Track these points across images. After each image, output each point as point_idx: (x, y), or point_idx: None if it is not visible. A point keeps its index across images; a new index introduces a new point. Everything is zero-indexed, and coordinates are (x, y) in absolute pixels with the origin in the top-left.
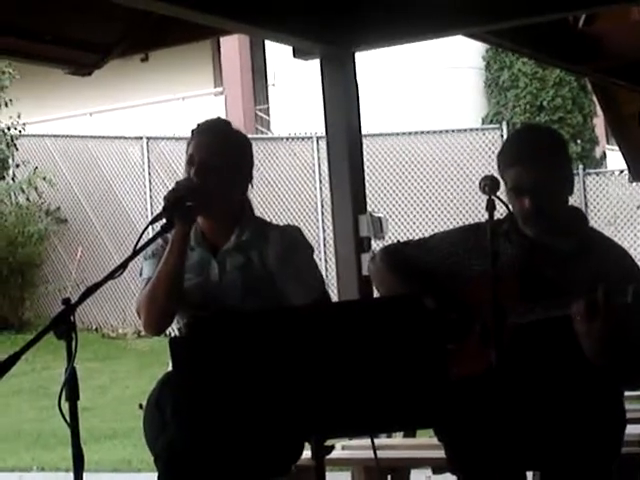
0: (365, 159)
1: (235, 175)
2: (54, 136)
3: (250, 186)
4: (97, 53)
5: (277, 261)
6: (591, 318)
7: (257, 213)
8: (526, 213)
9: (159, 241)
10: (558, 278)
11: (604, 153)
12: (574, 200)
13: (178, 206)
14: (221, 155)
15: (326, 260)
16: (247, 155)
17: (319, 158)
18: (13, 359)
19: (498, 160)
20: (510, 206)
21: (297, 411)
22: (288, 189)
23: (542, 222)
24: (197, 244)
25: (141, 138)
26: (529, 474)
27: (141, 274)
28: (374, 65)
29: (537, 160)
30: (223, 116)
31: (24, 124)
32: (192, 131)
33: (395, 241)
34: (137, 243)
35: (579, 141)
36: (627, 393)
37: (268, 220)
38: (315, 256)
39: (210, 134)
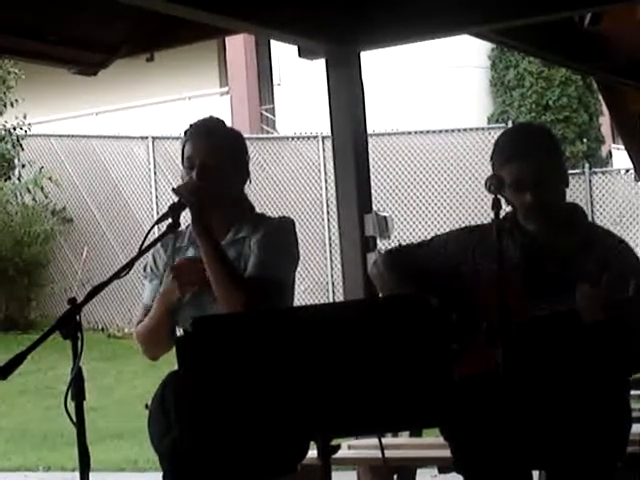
0: (370, 158)
1: (234, 172)
2: (60, 136)
3: (248, 182)
4: (103, 53)
5: (255, 244)
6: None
7: (263, 212)
8: (528, 207)
9: (159, 256)
10: (562, 274)
11: (610, 152)
12: (580, 199)
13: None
14: (220, 155)
15: (331, 259)
16: (243, 152)
17: (324, 157)
18: (19, 359)
19: (492, 159)
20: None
21: (303, 410)
22: (294, 188)
23: (543, 216)
24: (191, 243)
25: (147, 138)
26: (535, 473)
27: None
28: (380, 64)
29: (535, 154)
30: (228, 116)
31: (30, 124)
32: (185, 132)
33: (400, 241)
34: (143, 243)
35: (585, 140)
36: (633, 392)
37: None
38: (320, 255)
39: (207, 135)
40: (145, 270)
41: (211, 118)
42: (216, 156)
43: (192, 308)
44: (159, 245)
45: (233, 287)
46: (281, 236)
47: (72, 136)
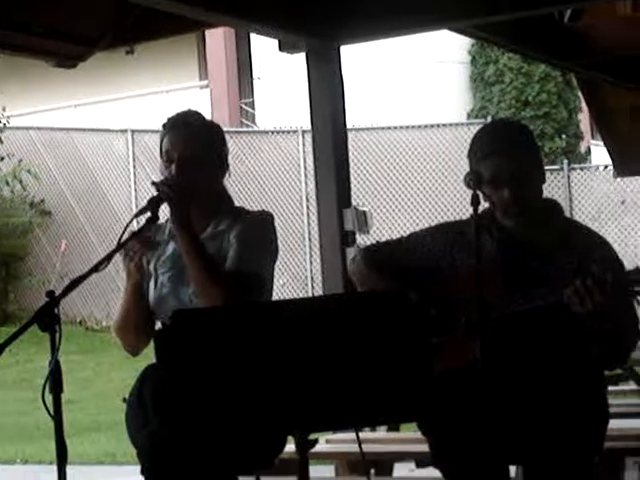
0: (350, 153)
1: (213, 165)
2: (39, 128)
3: (228, 174)
4: (83, 45)
5: (235, 238)
6: (583, 303)
7: (242, 206)
8: (505, 203)
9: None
10: (540, 269)
11: (589, 148)
12: (559, 195)
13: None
14: (198, 147)
15: (310, 254)
16: (222, 144)
17: (304, 152)
18: None
19: (469, 156)
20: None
21: (281, 404)
22: (273, 183)
23: (521, 212)
24: (171, 238)
25: (126, 131)
26: (512, 468)
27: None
28: (360, 59)
29: (512, 150)
30: (208, 109)
31: (9, 117)
32: (163, 125)
33: (379, 235)
34: (121, 236)
35: (564, 136)
36: (610, 388)
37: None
38: (299, 249)
39: (184, 128)
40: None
41: (189, 111)
42: (194, 148)
43: (172, 301)
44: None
45: (212, 282)
46: (260, 230)
47: (51, 129)
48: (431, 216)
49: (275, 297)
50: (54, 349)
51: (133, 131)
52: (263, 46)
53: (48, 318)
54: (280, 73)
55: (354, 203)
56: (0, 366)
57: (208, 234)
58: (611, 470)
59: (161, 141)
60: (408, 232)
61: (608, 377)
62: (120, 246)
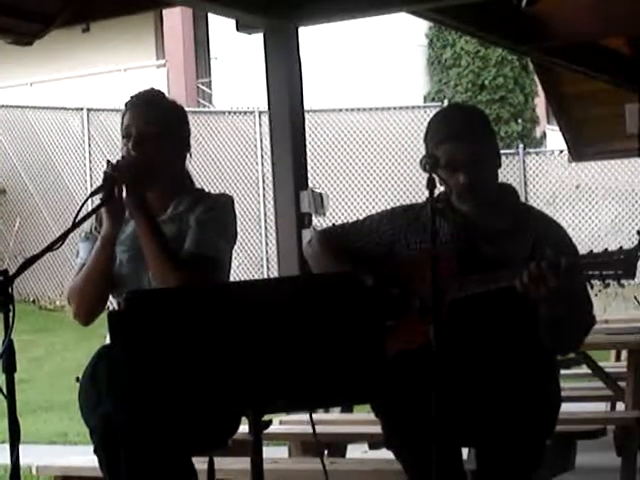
0: (307, 135)
1: (173, 144)
2: None
3: (189, 156)
4: (39, 22)
5: (194, 221)
6: (537, 287)
7: (202, 188)
8: (461, 188)
9: (95, 220)
10: (494, 253)
11: (544, 133)
12: (514, 179)
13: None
14: (158, 124)
15: (267, 235)
16: (184, 124)
17: (261, 133)
18: None
19: (426, 139)
20: (445, 183)
21: (235, 385)
22: (229, 164)
23: (476, 197)
24: (131, 217)
25: (81, 109)
26: (464, 450)
27: (77, 255)
28: (318, 40)
29: (470, 135)
30: (165, 88)
31: None
32: (125, 104)
33: (336, 218)
34: (76, 216)
35: (520, 120)
36: (563, 371)
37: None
38: (255, 231)
39: (145, 105)
40: (90, 232)
41: (152, 90)
42: (153, 125)
43: (132, 282)
44: (104, 210)
45: (168, 266)
46: (221, 213)
47: (6, 106)
48: (387, 199)
49: (230, 278)
50: (7, 328)
51: (89, 110)
52: (221, 26)
53: (1, 297)
54: (238, 53)
55: (310, 185)
56: None
57: (168, 215)
58: (562, 453)
59: (122, 118)
60: (364, 215)
61: (560, 361)
62: (75, 226)
